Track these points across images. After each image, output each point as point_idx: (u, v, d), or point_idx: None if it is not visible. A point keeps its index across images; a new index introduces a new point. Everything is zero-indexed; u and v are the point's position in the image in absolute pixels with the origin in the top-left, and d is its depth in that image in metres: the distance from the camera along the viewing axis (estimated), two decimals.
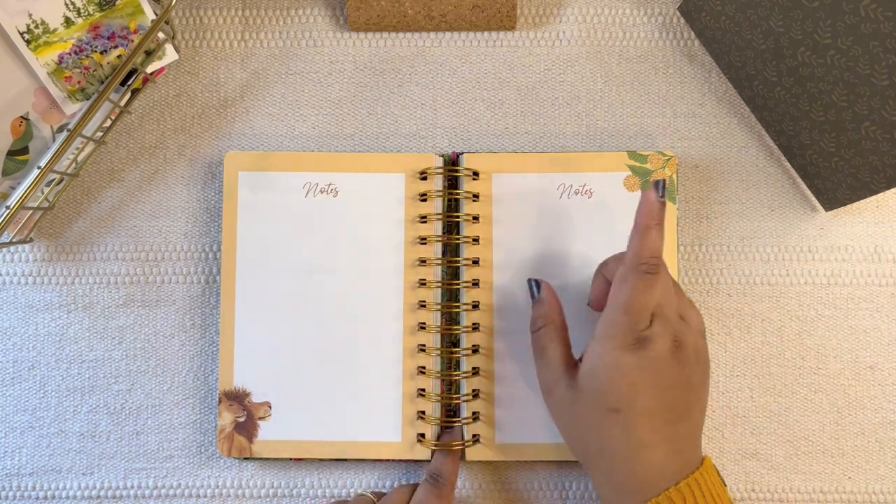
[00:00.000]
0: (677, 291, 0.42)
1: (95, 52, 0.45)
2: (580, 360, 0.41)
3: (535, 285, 0.45)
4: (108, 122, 0.48)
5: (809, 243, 0.50)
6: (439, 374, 0.47)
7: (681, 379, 0.39)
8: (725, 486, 0.40)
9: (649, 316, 0.39)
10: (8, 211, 0.43)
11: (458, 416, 0.47)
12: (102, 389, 0.49)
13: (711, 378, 0.49)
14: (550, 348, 0.42)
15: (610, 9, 0.51)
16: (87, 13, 0.43)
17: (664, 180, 0.42)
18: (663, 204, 0.40)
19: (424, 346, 0.47)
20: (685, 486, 0.38)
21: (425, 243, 0.48)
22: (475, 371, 0.47)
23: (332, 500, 0.48)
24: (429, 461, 0.47)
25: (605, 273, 0.44)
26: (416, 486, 0.46)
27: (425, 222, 0.48)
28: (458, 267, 0.48)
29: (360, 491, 0.48)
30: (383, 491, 0.48)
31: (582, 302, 0.47)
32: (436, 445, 0.46)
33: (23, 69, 0.43)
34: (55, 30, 0.43)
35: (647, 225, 0.40)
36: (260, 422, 0.47)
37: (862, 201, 0.49)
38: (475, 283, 0.48)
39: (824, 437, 0.49)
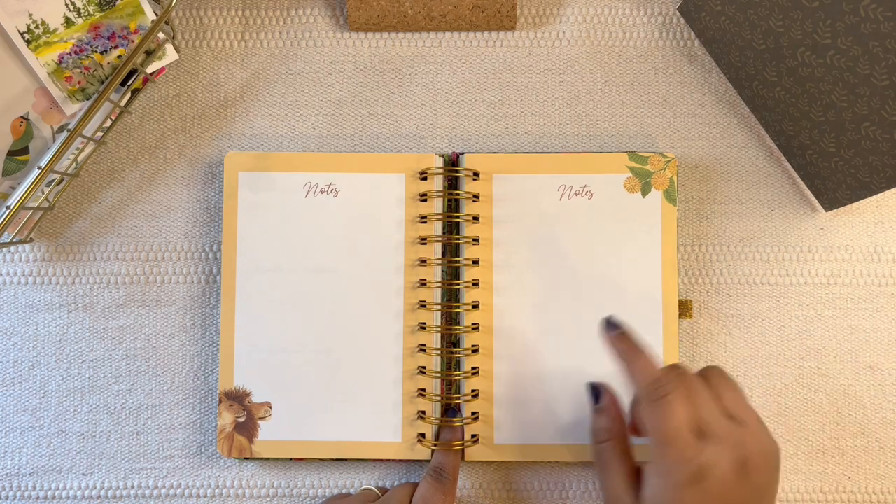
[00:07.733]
0: (719, 388, 0.39)
1: (95, 52, 0.45)
2: (640, 468, 0.39)
3: (594, 392, 0.44)
4: (108, 122, 0.48)
5: (809, 243, 0.50)
6: (439, 374, 0.47)
7: (749, 495, 0.36)
8: None
9: (691, 437, 0.37)
10: (8, 211, 0.43)
11: (459, 417, 0.47)
12: (102, 389, 0.49)
13: None
14: (614, 464, 0.41)
15: (610, 9, 0.51)
16: (87, 13, 0.43)
17: (610, 317, 0.42)
18: (622, 335, 0.41)
19: (424, 346, 0.47)
20: None
21: (425, 243, 0.48)
22: (475, 371, 0.47)
23: (336, 494, 0.48)
24: (429, 461, 0.47)
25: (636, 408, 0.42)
26: (417, 484, 0.46)
27: (425, 222, 0.48)
28: (458, 267, 0.48)
29: (364, 486, 0.48)
30: (387, 487, 0.48)
31: (579, 303, 0.47)
32: (436, 445, 0.46)
33: (23, 69, 0.43)
34: (55, 30, 0.43)
35: (624, 359, 0.40)
36: (260, 422, 0.47)
37: (862, 201, 0.49)
38: (475, 284, 0.48)
39: (824, 437, 0.49)
